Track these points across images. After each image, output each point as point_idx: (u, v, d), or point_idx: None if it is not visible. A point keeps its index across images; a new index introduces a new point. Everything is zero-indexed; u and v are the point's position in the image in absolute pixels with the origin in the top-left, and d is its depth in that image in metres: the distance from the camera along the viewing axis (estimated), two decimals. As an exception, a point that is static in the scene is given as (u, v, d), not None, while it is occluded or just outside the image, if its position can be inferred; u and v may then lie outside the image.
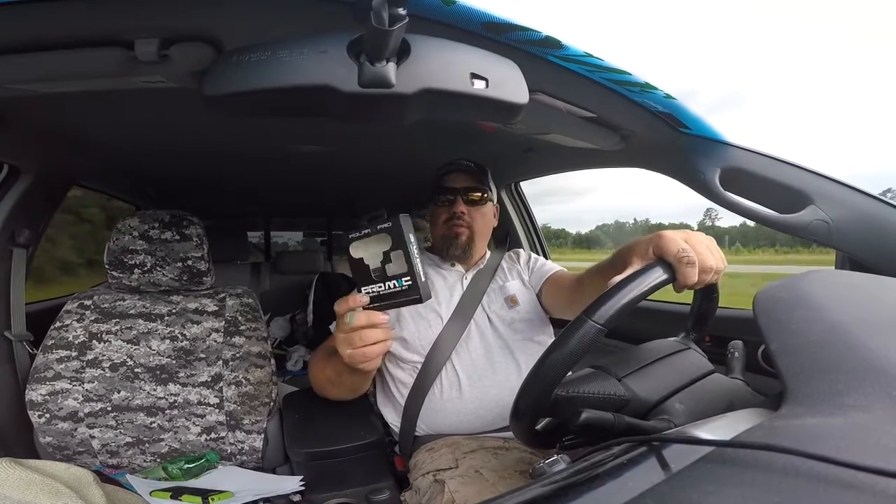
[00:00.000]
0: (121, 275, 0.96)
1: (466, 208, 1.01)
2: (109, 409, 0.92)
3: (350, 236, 0.61)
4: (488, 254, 1.10)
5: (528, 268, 1.08)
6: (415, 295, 0.61)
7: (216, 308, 1.01)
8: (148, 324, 0.98)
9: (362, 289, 0.62)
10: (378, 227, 0.60)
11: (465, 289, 1.01)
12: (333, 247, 2.98)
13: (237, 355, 0.98)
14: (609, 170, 1.15)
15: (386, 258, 0.60)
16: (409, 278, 0.61)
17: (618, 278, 0.52)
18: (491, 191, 1.04)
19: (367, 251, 0.61)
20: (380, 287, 0.61)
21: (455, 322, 0.96)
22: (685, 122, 0.75)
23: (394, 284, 0.61)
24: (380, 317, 0.63)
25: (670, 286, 0.53)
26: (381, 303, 0.62)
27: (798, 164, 0.75)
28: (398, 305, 0.62)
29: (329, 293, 2.09)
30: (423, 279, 0.61)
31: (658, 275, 0.51)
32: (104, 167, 1.32)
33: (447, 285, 1.01)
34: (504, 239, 1.64)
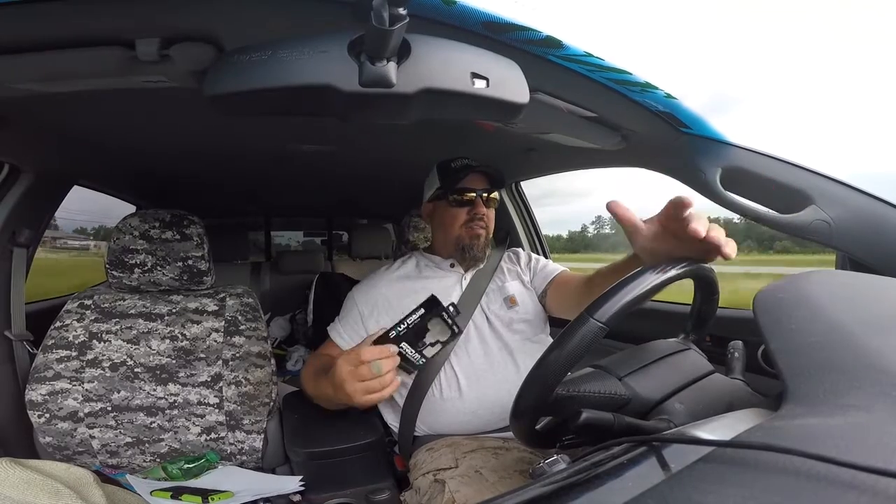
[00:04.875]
0: (121, 274, 0.96)
1: (485, 210, 1.00)
2: (109, 409, 0.92)
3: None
4: (487, 253, 1.09)
5: (530, 269, 1.07)
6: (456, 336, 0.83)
7: (216, 308, 1.01)
8: (148, 323, 0.98)
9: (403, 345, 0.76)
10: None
11: (463, 289, 1.01)
12: (334, 246, 2.97)
13: (237, 355, 0.98)
14: (605, 173, 1.15)
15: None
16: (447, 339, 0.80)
17: None
18: (499, 189, 1.04)
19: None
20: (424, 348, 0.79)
21: None
22: (686, 121, 0.75)
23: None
24: (396, 360, 0.74)
25: (672, 286, 0.53)
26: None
27: (799, 164, 0.75)
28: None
29: (329, 293, 2.09)
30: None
31: (662, 273, 0.51)
32: (104, 167, 1.32)
33: (446, 286, 1.01)
34: (504, 239, 1.64)
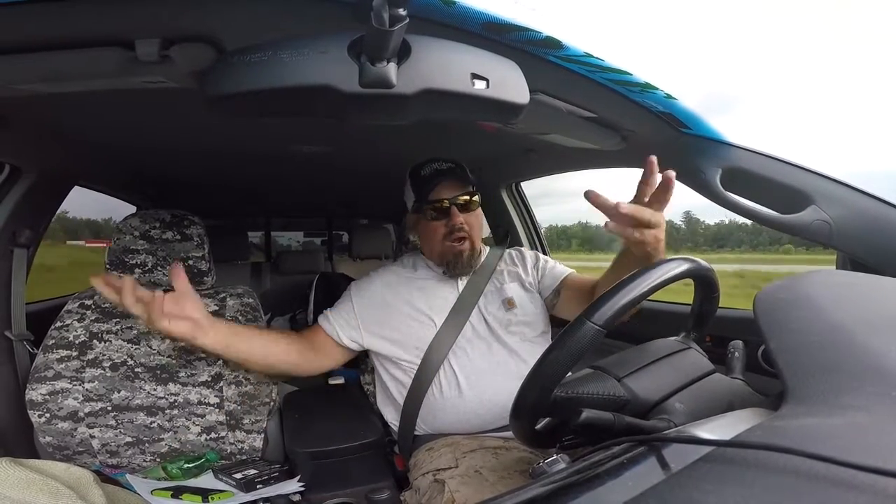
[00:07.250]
0: (121, 274, 0.96)
1: (463, 216, 0.96)
2: (109, 408, 0.92)
3: None
4: (485, 252, 1.06)
5: (538, 269, 1.05)
6: None
7: (217, 308, 1.01)
8: (148, 323, 0.98)
9: None
10: None
11: (460, 291, 0.99)
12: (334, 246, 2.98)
13: (237, 355, 0.98)
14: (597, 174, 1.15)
15: None
16: None
17: None
18: (475, 187, 0.99)
19: None
20: None
21: (451, 323, 0.95)
22: (686, 121, 0.75)
23: None
24: None
25: (673, 286, 0.53)
26: None
27: (799, 164, 0.75)
28: None
29: (329, 293, 2.09)
30: None
31: (659, 274, 0.51)
32: (105, 167, 1.32)
33: (441, 287, 1.00)
34: (504, 238, 1.63)
